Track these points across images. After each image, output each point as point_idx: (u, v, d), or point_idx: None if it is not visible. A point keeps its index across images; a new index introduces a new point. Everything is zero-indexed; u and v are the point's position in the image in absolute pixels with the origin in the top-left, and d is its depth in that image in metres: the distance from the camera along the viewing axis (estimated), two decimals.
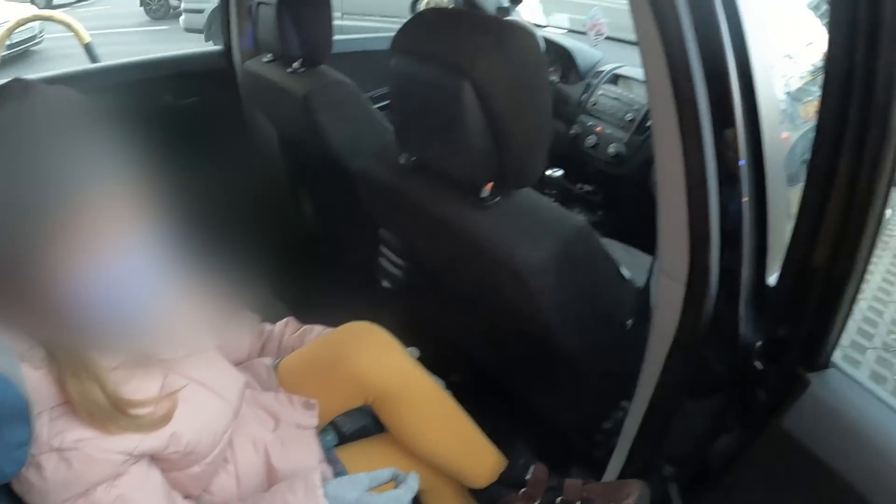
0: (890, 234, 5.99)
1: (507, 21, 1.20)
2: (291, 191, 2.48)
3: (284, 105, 2.01)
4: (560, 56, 2.61)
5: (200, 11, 8.79)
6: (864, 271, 0.86)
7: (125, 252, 0.86)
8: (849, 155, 0.80)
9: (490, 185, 1.19)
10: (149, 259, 0.89)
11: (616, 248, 1.78)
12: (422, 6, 3.19)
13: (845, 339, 3.84)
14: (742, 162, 0.92)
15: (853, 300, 0.90)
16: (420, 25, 1.24)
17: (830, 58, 0.79)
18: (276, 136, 2.35)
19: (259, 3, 1.98)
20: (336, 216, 2.27)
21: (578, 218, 1.20)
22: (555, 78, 2.57)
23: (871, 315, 4.40)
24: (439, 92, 1.13)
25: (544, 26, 3.05)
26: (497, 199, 1.21)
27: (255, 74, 2.18)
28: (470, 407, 1.36)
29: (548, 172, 2.20)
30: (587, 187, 2.50)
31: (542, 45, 2.45)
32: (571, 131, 2.44)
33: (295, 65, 1.97)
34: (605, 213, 2.46)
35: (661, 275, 1.04)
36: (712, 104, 0.90)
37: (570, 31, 2.99)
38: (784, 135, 1.01)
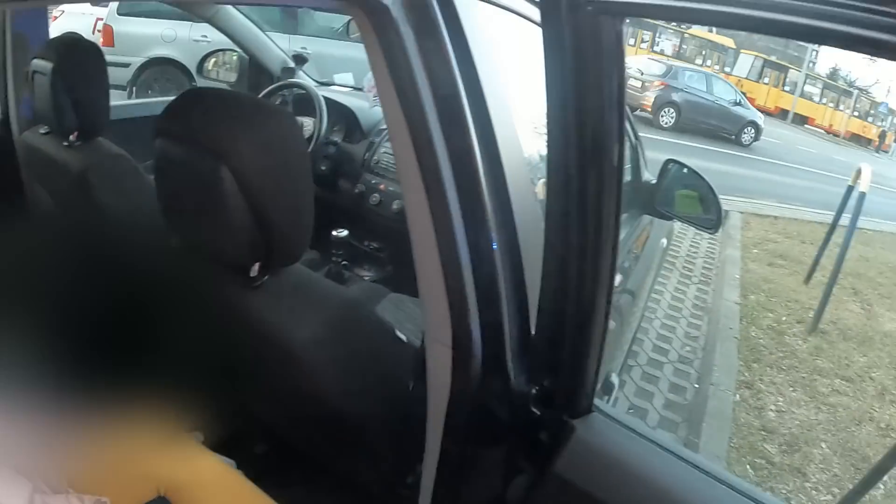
0: (675, 257, 6.52)
1: (263, 103, 1.21)
2: (72, 274, 2.32)
3: (61, 181, 1.88)
4: (343, 115, 2.64)
5: None
6: (605, 321, 0.92)
7: None
8: (576, 210, 0.86)
9: (258, 264, 1.18)
10: None
11: (406, 303, 1.80)
12: (210, 65, 3.14)
13: (642, 357, 4.12)
14: (491, 219, 0.97)
15: (601, 348, 0.95)
16: (179, 108, 1.21)
17: (550, 119, 0.85)
18: (57, 214, 2.20)
19: (34, 72, 1.86)
20: (119, 302, 2.15)
21: (347, 291, 1.22)
22: (338, 138, 2.59)
23: (665, 332, 4.74)
24: (199, 176, 1.12)
25: (329, 85, 3.08)
26: (266, 277, 1.20)
27: (31, 147, 2.03)
28: (277, 477, 1.33)
29: (334, 233, 2.20)
30: (374, 244, 2.52)
31: (324, 104, 2.47)
32: (356, 190, 2.46)
33: (71, 137, 1.85)
34: (394, 269, 2.49)
35: (429, 340, 1.06)
36: (456, 175, 0.95)
37: (355, 88, 3.04)
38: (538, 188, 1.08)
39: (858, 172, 5.43)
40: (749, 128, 17.81)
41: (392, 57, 0.93)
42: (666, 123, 16.29)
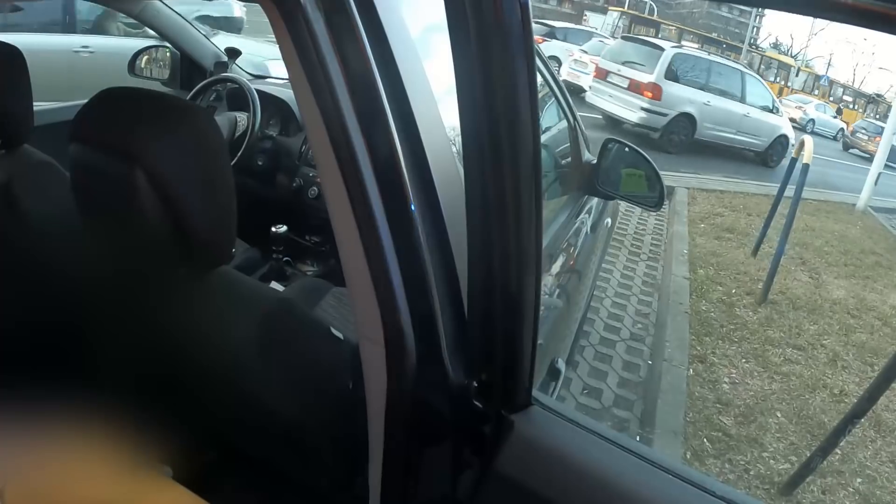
0: (623, 235, 6.57)
1: (178, 101, 1.17)
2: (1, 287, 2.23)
3: None
4: (279, 108, 2.58)
5: None
6: (535, 312, 0.90)
7: None
8: (494, 194, 0.83)
9: (182, 269, 1.15)
10: None
11: None
12: (143, 62, 3.05)
13: (594, 337, 4.14)
14: (413, 207, 0.93)
15: (534, 339, 0.93)
16: (92, 111, 1.16)
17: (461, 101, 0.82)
18: None
19: None
20: (50, 314, 2.08)
21: (276, 291, 1.18)
22: (274, 131, 2.53)
23: (616, 311, 4.77)
24: (114, 180, 1.07)
25: (264, 78, 3.01)
26: (192, 282, 1.17)
27: None
28: (227, 485, 1.34)
29: (273, 229, 2.15)
30: (315, 238, 2.49)
31: (257, 98, 2.40)
32: (294, 184, 2.41)
33: None
34: (336, 262, 2.43)
35: (361, 338, 1.02)
36: (376, 165, 0.91)
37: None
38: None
39: (802, 144, 5.52)
40: None
41: (302, 45, 0.89)
42: None
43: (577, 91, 12.67)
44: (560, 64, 15.81)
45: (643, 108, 11.22)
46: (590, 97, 12.36)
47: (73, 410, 1.25)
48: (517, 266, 0.86)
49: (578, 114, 2.67)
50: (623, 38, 14.04)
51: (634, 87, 11.47)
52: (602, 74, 12.22)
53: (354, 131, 0.89)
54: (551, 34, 18.16)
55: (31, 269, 1.74)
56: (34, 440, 1.25)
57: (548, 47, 16.99)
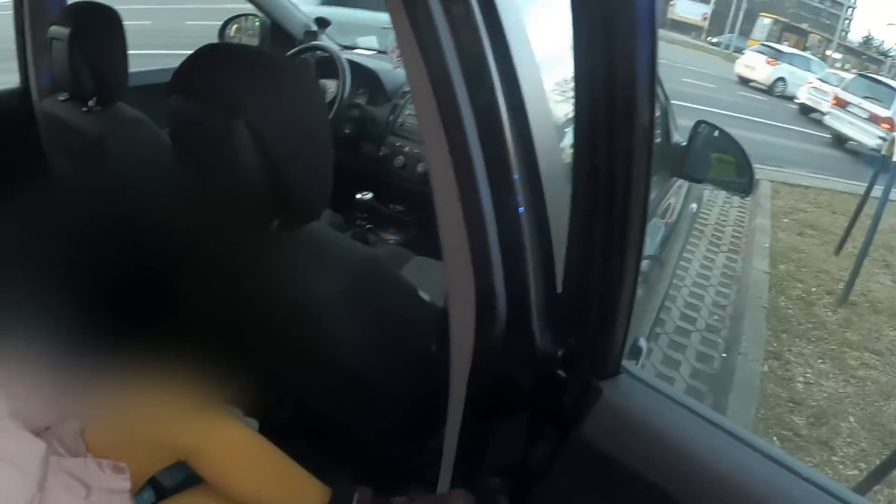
0: (704, 224, 6.44)
1: (280, 57, 1.19)
2: (92, 238, 2.31)
3: (80, 147, 1.87)
4: (367, 78, 2.60)
5: None
6: (634, 281, 0.89)
7: None
8: (604, 160, 0.82)
9: (276, 221, 1.16)
10: None
11: (431, 266, 1.78)
12: (232, 31, 3.10)
13: (669, 325, 4.08)
14: (516, 176, 0.93)
15: (630, 308, 0.92)
16: (194, 64, 1.19)
17: (577, 65, 0.81)
18: (77, 180, 2.19)
19: (52, 39, 1.84)
20: (138, 264, 2.14)
21: (367, 249, 1.19)
22: (361, 101, 2.56)
23: (693, 300, 4.68)
24: (214, 132, 1.10)
25: (352, 48, 3.04)
26: (283, 235, 1.18)
27: (51, 114, 2.01)
28: (299, 441, 1.33)
29: (358, 196, 2.18)
30: (399, 207, 2.50)
31: (347, 68, 2.42)
32: (380, 153, 2.43)
33: (90, 103, 1.83)
34: (418, 232, 2.46)
35: (452, 299, 1.03)
36: (481, 134, 0.91)
37: (379, 52, 2.99)
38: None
39: (893, 142, 5.31)
40: None
41: (415, 15, 0.89)
42: None
43: (812, 112, 16.53)
44: (786, 83, 20.37)
45: (879, 137, 13.03)
46: (828, 120, 14.92)
47: (154, 357, 1.30)
48: (621, 236, 0.85)
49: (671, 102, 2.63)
50: (859, 75, 16.75)
51: (874, 119, 13.94)
52: (842, 104, 14.54)
53: (463, 100, 0.89)
54: (778, 56, 21.62)
55: (122, 219, 1.81)
56: (115, 384, 1.30)
57: (778, 70, 20.92)
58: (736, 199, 7.19)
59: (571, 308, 0.96)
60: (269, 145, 1.07)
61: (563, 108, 1.19)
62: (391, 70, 2.62)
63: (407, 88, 2.49)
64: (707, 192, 3.89)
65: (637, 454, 0.91)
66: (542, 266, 0.98)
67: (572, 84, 0.83)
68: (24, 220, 2.04)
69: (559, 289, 0.99)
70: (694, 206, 3.17)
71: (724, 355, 4.05)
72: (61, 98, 1.98)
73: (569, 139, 0.97)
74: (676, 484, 0.87)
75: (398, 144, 2.39)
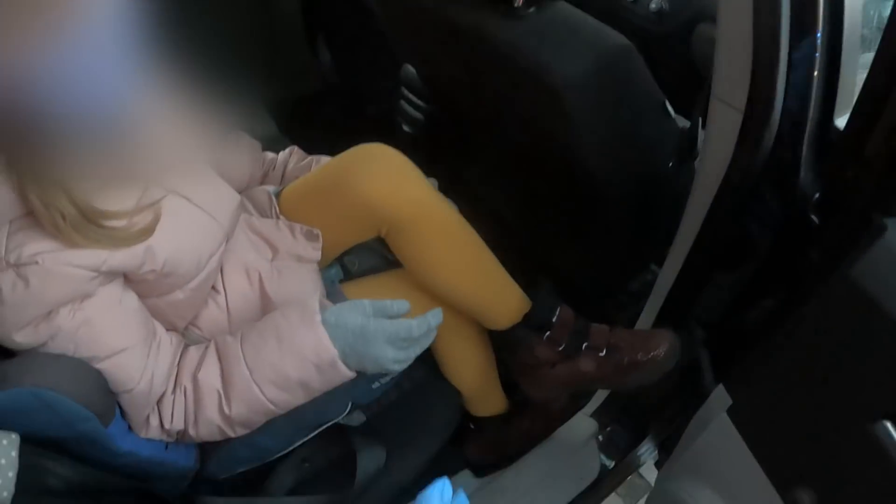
0: None
1: None
2: (308, 38, 2.30)
3: None
4: None
5: None
6: None
7: (89, 31, 0.68)
8: None
9: None
10: (118, 46, 0.71)
11: None
12: None
13: None
14: None
15: None
16: None
17: None
18: None
19: None
20: (356, 64, 2.10)
21: (620, 36, 1.07)
22: None
23: None
24: None
25: None
26: (531, 9, 1.10)
27: None
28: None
29: None
30: None
31: None
32: None
33: None
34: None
35: (716, 101, 0.90)
36: None
37: None
38: None
39: None
40: None
41: None
42: None
43: None
44: None
45: None
46: None
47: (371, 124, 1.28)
48: None
49: None
50: None
51: None
52: None
53: None
54: None
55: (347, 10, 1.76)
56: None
57: None
58: None
59: (858, 138, 0.80)
60: None
61: None
62: None
63: None
64: None
65: None
66: (824, 90, 0.83)
67: None
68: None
69: (837, 120, 0.84)
70: None
71: None
72: None
73: None
74: None
75: None
